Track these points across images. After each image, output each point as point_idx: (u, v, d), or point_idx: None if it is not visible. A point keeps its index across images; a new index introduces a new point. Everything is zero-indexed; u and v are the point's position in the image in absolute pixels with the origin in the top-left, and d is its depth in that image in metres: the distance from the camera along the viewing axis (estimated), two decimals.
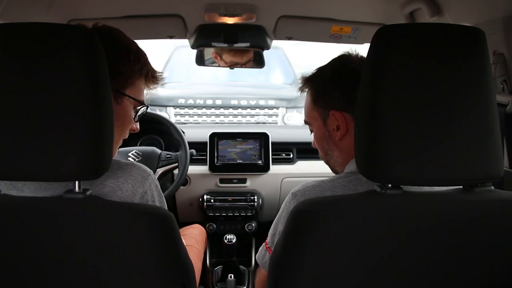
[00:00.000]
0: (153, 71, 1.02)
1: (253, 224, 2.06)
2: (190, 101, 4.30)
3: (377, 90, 0.74)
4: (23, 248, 0.75)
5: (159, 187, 0.96)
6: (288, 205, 0.97)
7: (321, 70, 1.07)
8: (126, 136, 1.03)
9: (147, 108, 1.05)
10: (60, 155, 0.72)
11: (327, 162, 1.11)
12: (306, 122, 1.13)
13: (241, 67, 1.95)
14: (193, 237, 1.70)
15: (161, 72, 1.05)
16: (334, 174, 1.05)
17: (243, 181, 2.06)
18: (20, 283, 0.76)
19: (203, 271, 1.73)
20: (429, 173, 0.73)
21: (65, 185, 0.81)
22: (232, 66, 1.94)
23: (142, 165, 0.92)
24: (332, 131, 1.04)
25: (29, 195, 0.85)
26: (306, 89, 1.10)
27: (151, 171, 0.93)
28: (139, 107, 1.02)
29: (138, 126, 1.05)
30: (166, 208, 0.96)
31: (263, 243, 1.08)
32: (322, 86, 1.04)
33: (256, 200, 2.03)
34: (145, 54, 1.00)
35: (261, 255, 1.08)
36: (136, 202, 0.87)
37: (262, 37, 1.78)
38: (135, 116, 1.02)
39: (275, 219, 1.03)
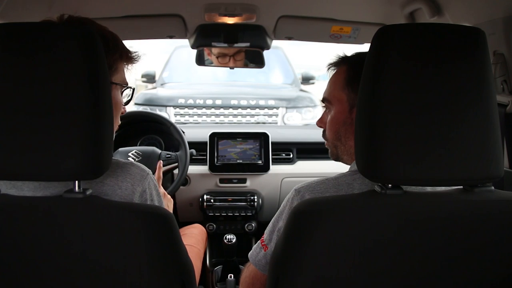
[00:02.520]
0: (129, 52, 1.02)
1: (253, 224, 2.06)
2: (190, 101, 4.30)
3: (377, 90, 0.74)
4: (22, 248, 0.75)
5: (158, 186, 0.96)
6: (291, 201, 0.95)
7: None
8: (119, 122, 1.04)
9: (133, 91, 1.05)
10: (60, 155, 0.72)
11: (334, 147, 1.06)
12: (324, 100, 1.06)
13: (239, 61, 1.93)
14: (193, 237, 1.70)
15: (136, 51, 1.04)
16: (335, 172, 1.04)
17: (243, 181, 2.06)
18: (20, 283, 0.76)
19: (203, 271, 1.73)
20: (429, 173, 0.73)
21: (65, 184, 0.81)
22: (230, 58, 1.93)
23: (141, 164, 0.93)
24: (355, 120, 1.00)
25: (29, 194, 0.85)
26: (334, 68, 1.03)
27: (149, 170, 0.94)
28: (124, 90, 1.03)
29: (126, 109, 1.06)
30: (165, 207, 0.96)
31: (258, 241, 1.06)
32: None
33: (256, 200, 2.03)
34: (118, 37, 0.99)
35: (255, 253, 1.06)
36: (136, 201, 0.88)
37: (262, 37, 1.78)
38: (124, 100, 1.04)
39: (275, 216, 1.02)
